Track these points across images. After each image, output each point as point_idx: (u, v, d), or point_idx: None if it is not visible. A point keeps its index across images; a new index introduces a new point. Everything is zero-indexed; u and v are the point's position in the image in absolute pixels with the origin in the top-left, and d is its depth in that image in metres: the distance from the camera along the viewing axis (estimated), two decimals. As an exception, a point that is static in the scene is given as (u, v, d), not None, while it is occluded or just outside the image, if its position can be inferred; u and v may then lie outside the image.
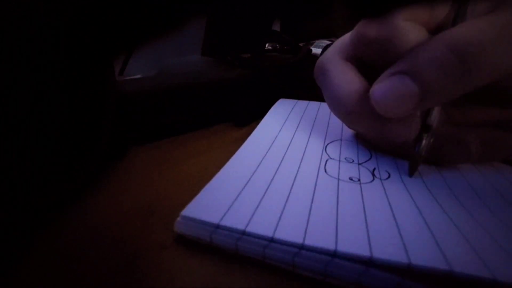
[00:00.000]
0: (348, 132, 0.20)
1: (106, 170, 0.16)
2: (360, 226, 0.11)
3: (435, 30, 0.14)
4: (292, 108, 0.24)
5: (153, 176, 0.16)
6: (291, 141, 0.18)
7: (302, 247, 0.10)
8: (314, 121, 0.21)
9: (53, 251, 0.11)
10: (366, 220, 0.11)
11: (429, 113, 0.14)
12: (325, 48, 0.34)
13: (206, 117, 0.23)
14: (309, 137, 0.19)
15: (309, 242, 0.10)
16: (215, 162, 0.15)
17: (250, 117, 0.23)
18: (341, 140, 0.19)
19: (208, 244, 0.11)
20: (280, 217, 0.11)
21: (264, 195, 0.13)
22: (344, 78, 0.16)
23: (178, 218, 0.11)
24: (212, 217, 0.11)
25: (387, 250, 0.10)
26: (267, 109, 0.23)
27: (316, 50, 0.34)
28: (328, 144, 0.18)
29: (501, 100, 0.15)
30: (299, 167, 0.15)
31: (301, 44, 0.35)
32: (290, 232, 0.10)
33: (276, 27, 0.38)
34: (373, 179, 0.15)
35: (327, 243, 0.10)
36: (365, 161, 0.16)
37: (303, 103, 0.25)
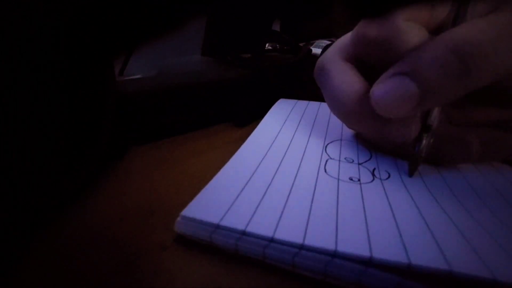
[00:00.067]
0: (348, 132, 0.20)
1: (106, 170, 0.16)
2: (360, 226, 0.11)
3: (435, 30, 0.14)
4: (292, 108, 0.24)
5: (153, 176, 0.16)
6: (291, 141, 0.18)
7: (302, 247, 0.10)
8: (314, 121, 0.21)
9: (53, 251, 0.11)
10: (366, 220, 0.11)
11: (429, 113, 0.14)
12: (325, 48, 0.34)
13: (206, 117, 0.23)
14: (309, 137, 0.19)
15: (309, 242, 0.10)
16: (215, 162, 0.15)
17: (250, 117, 0.23)
18: (341, 140, 0.19)
19: (208, 244, 0.11)
20: (280, 217, 0.11)
21: (264, 195, 0.13)
22: (344, 78, 0.16)
23: (178, 218, 0.11)
24: (212, 217, 0.11)
25: (387, 250, 0.10)
26: (267, 109, 0.23)
27: (316, 50, 0.34)
28: (328, 144, 0.18)
29: (501, 100, 0.15)
30: (299, 167, 0.15)
31: (301, 44, 0.35)
32: (290, 232, 0.10)
33: (276, 27, 0.38)
34: (373, 179, 0.15)
35: (327, 243, 0.10)
36: (365, 161, 0.16)
37: (303, 103, 0.25)
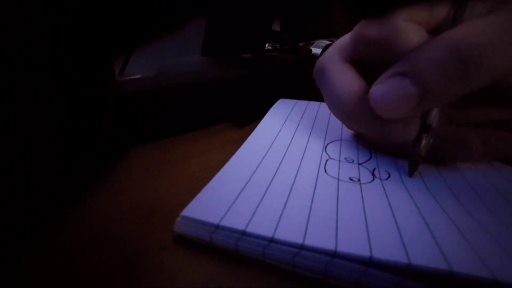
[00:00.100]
0: (348, 132, 0.20)
1: (106, 170, 0.16)
2: (360, 226, 0.11)
3: (434, 31, 0.14)
4: (292, 108, 0.24)
5: (153, 176, 0.16)
6: (291, 141, 0.18)
7: (302, 247, 0.10)
8: (314, 121, 0.21)
9: (53, 251, 0.11)
10: (366, 220, 0.11)
11: (429, 113, 0.14)
12: (325, 48, 0.34)
13: (206, 117, 0.23)
14: (309, 137, 0.19)
15: (309, 242, 0.10)
16: (215, 162, 0.15)
17: (250, 117, 0.23)
18: (341, 140, 0.19)
19: (208, 244, 0.11)
20: (280, 217, 0.11)
21: (264, 195, 0.13)
22: (344, 78, 0.16)
23: (178, 218, 0.11)
24: (212, 217, 0.11)
25: (387, 250, 0.10)
26: (267, 109, 0.23)
27: (316, 50, 0.34)
28: (328, 144, 0.18)
29: (501, 100, 0.15)
30: (299, 167, 0.15)
31: (301, 44, 0.35)
32: (290, 232, 0.10)
33: (276, 27, 0.38)
34: (373, 179, 0.15)
35: (327, 243, 0.10)
36: (365, 161, 0.16)
37: (303, 103, 0.25)
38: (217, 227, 0.11)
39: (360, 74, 0.16)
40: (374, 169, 0.16)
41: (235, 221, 0.11)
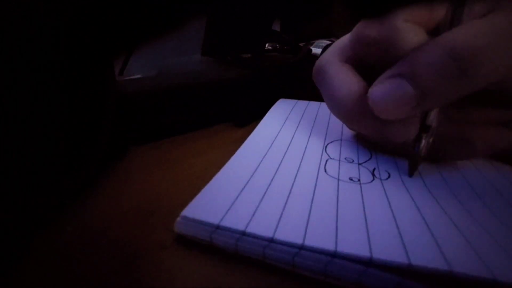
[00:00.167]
0: (348, 132, 0.20)
1: (106, 170, 0.16)
2: (360, 226, 0.11)
3: (434, 31, 0.14)
4: (292, 108, 0.24)
5: (153, 176, 0.16)
6: (291, 141, 0.18)
7: (302, 247, 0.10)
8: (314, 121, 0.21)
9: (53, 251, 0.11)
10: (366, 220, 0.11)
11: (428, 113, 0.14)
12: (325, 48, 0.34)
13: (206, 117, 0.23)
14: (309, 137, 0.19)
15: (309, 242, 0.10)
16: (215, 162, 0.15)
17: (250, 117, 0.23)
18: (341, 140, 0.19)
19: (208, 244, 0.11)
20: (280, 218, 0.11)
21: (264, 195, 0.13)
22: (343, 79, 0.16)
23: (178, 218, 0.11)
24: (212, 218, 0.11)
25: (387, 250, 0.10)
26: (267, 109, 0.23)
27: (316, 50, 0.34)
28: (328, 144, 0.18)
29: (502, 101, 0.15)
30: (299, 167, 0.15)
31: (301, 44, 0.35)
32: (290, 233, 0.10)
33: (276, 27, 0.38)
34: (373, 179, 0.15)
35: (327, 244, 0.10)
36: (365, 161, 0.16)
37: (303, 103, 0.25)
38: (217, 227, 0.11)
39: (359, 74, 0.16)
40: (374, 169, 0.16)
41: (235, 221, 0.11)
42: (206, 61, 0.29)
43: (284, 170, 0.15)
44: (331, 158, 0.17)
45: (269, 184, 0.13)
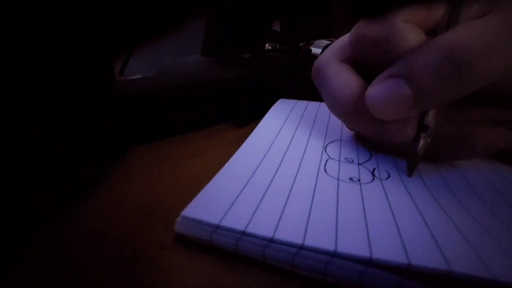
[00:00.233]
0: (348, 132, 0.20)
1: (106, 170, 0.16)
2: (360, 226, 0.11)
3: (432, 32, 0.14)
4: (292, 108, 0.24)
5: (153, 176, 0.16)
6: (291, 141, 0.18)
7: (302, 247, 0.10)
8: (314, 121, 0.21)
9: (53, 251, 0.11)
10: (366, 220, 0.11)
11: (426, 113, 0.14)
12: (325, 48, 0.34)
13: (206, 117, 0.23)
14: (309, 137, 0.19)
15: (309, 242, 0.10)
16: (215, 162, 0.15)
17: (250, 117, 0.23)
18: (341, 140, 0.19)
19: (208, 244, 0.11)
20: (280, 218, 0.11)
21: (264, 195, 0.13)
22: (342, 79, 0.16)
23: (178, 218, 0.11)
24: (212, 218, 0.11)
25: (387, 250, 0.10)
26: (267, 109, 0.23)
27: (316, 50, 0.34)
28: (328, 144, 0.18)
29: (501, 102, 0.15)
30: (299, 167, 0.15)
31: (301, 44, 0.35)
32: (290, 233, 0.10)
33: (276, 27, 0.38)
34: (373, 179, 0.15)
35: (327, 244, 0.10)
36: (365, 161, 0.16)
37: (303, 103, 0.25)
38: (217, 227, 0.11)
39: (359, 74, 0.16)
40: (374, 169, 0.16)
41: (235, 221, 0.11)
42: (206, 61, 0.29)
43: (284, 170, 0.15)
44: (331, 158, 0.17)
45: (269, 184, 0.13)
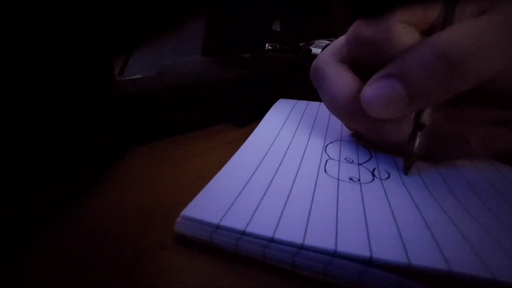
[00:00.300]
0: (347, 132, 0.20)
1: (106, 170, 0.16)
2: (360, 226, 0.11)
3: (428, 31, 0.14)
4: (292, 108, 0.24)
5: (153, 176, 0.16)
6: (291, 141, 0.18)
7: (302, 247, 0.10)
8: (314, 121, 0.21)
9: (53, 251, 0.11)
10: (366, 220, 0.11)
11: (422, 112, 0.14)
12: (324, 48, 0.34)
13: (206, 117, 0.23)
14: (309, 137, 0.19)
15: (309, 242, 0.10)
16: (215, 162, 0.15)
17: (250, 117, 0.23)
18: (341, 140, 0.19)
19: (208, 244, 0.11)
20: (280, 217, 0.11)
21: (264, 195, 0.13)
22: (339, 78, 0.16)
23: (178, 218, 0.11)
24: (212, 217, 0.11)
25: (387, 250, 0.10)
26: (267, 109, 0.23)
27: (316, 50, 0.34)
28: (328, 144, 0.18)
29: (500, 101, 0.15)
30: (299, 167, 0.15)
31: (301, 44, 0.35)
32: (290, 232, 0.10)
33: (276, 27, 0.38)
34: (373, 179, 0.15)
35: (327, 243, 0.10)
36: (365, 162, 0.16)
37: (303, 103, 0.25)
38: (217, 227, 0.11)
39: (356, 74, 0.16)
40: (374, 169, 0.16)
41: (235, 221, 0.11)
42: (206, 61, 0.29)
43: (284, 170, 0.15)
44: (331, 159, 0.17)
45: (269, 184, 0.13)
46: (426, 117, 0.14)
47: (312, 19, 0.40)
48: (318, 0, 0.37)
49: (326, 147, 0.18)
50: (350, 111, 0.16)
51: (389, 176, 0.15)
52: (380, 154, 0.17)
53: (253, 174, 0.14)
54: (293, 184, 0.14)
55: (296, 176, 0.14)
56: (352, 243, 0.10)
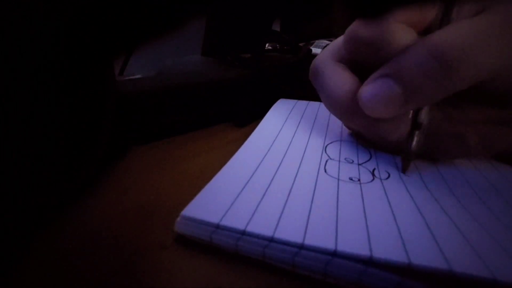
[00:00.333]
0: (347, 132, 0.20)
1: (106, 170, 0.16)
2: (360, 226, 0.11)
3: (425, 31, 0.14)
4: (292, 108, 0.24)
5: (153, 176, 0.16)
6: (291, 141, 0.18)
7: (302, 247, 0.10)
8: (314, 121, 0.21)
9: (53, 251, 0.11)
10: (366, 220, 0.11)
11: (419, 111, 0.14)
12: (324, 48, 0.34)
13: (206, 117, 0.23)
14: (309, 137, 0.19)
15: (309, 242, 0.10)
16: (215, 162, 0.15)
17: (250, 117, 0.23)
18: (340, 140, 0.19)
19: (208, 244, 0.11)
20: (280, 217, 0.11)
21: (264, 195, 0.13)
22: (337, 78, 0.16)
23: (178, 218, 0.11)
24: (212, 217, 0.11)
25: (387, 249, 0.10)
26: (267, 109, 0.23)
27: (316, 50, 0.34)
28: (328, 144, 0.18)
29: (499, 101, 0.15)
30: (299, 167, 0.15)
31: (301, 44, 0.35)
32: (290, 232, 0.10)
33: (276, 27, 0.38)
34: (373, 179, 0.15)
35: (327, 243, 0.10)
36: (365, 162, 0.16)
37: (303, 103, 0.25)
38: (217, 227, 0.11)
39: (355, 74, 0.16)
40: (374, 169, 0.16)
41: (235, 221, 0.11)
42: (206, 61, 0.29)
43: (284, 170, 0.15)
44: (331, 159, 0.17)
45: (269, 184, 0.13)
46: (424, 116, 0.14)
47: (312, 19, 0.40)
48: (318, 0, 0.37)
49: (326, 147, 0.18)
50: (349, 111, 0.16)
51: (389, 176, 0.15)
52: (380, 154, 0.17)
53: (253, 174, 0.14)
54: (293, 184, 0.14)
55: (296, 176, 0.14)
56: (352, 243, 0.10)
